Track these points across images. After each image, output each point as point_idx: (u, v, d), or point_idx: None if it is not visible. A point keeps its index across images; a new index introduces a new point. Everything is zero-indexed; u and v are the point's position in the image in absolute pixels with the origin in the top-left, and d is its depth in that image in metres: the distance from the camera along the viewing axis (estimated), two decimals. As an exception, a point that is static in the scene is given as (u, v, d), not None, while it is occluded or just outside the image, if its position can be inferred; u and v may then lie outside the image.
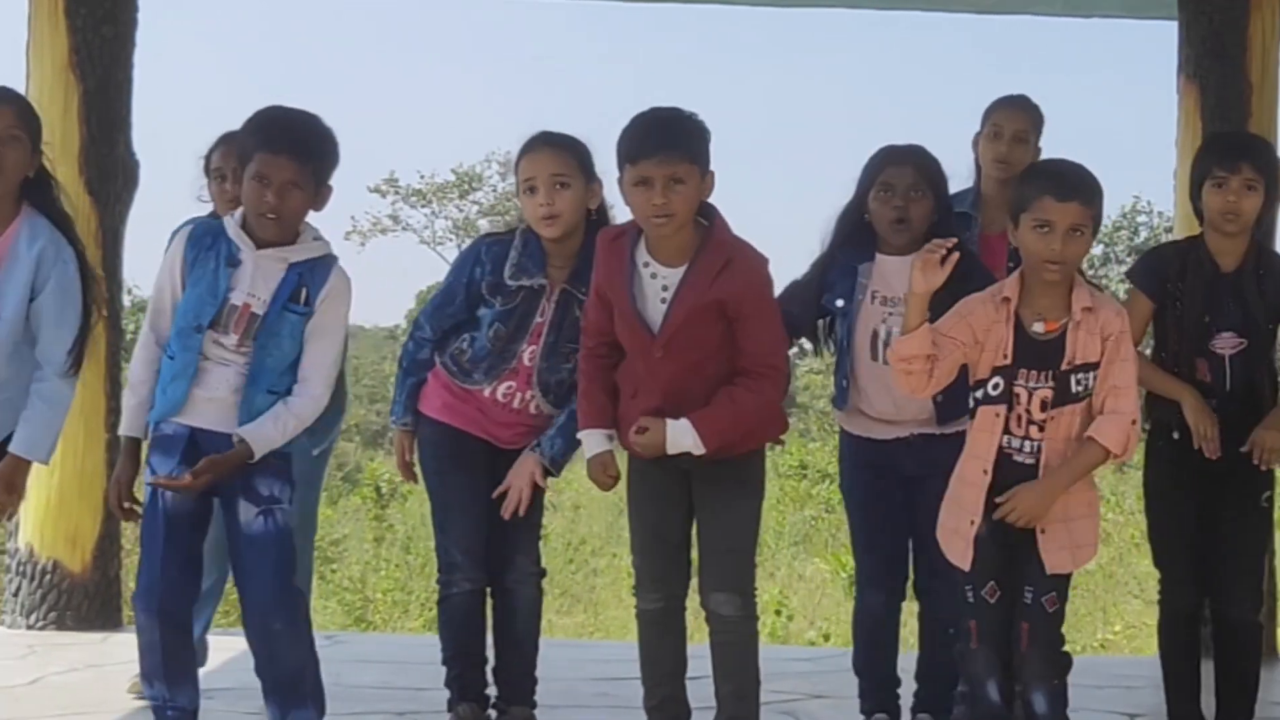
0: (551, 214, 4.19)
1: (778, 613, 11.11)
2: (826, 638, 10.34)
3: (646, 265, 3.94)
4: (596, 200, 4.30)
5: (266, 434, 3.86)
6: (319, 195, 3.93)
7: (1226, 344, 4.37)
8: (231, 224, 3.95)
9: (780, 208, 50.22)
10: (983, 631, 3.82)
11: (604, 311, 4.01)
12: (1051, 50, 52.06)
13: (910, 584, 4.44)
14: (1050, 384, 3.74)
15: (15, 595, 6.46)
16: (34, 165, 4.05)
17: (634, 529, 4.16)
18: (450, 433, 4.38)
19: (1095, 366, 3.73)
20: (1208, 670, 4.49)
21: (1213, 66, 6.63)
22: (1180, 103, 6.77)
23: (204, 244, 3.94)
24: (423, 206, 28.33)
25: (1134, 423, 3.75)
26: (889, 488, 4.39)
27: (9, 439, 4.05)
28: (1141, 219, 31.93)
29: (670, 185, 3.78)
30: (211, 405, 3.91)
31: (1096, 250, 31.63)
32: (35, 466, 6.36)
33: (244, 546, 3.94)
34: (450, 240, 28.98)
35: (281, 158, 3.82)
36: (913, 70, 59.65)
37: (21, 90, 6.23)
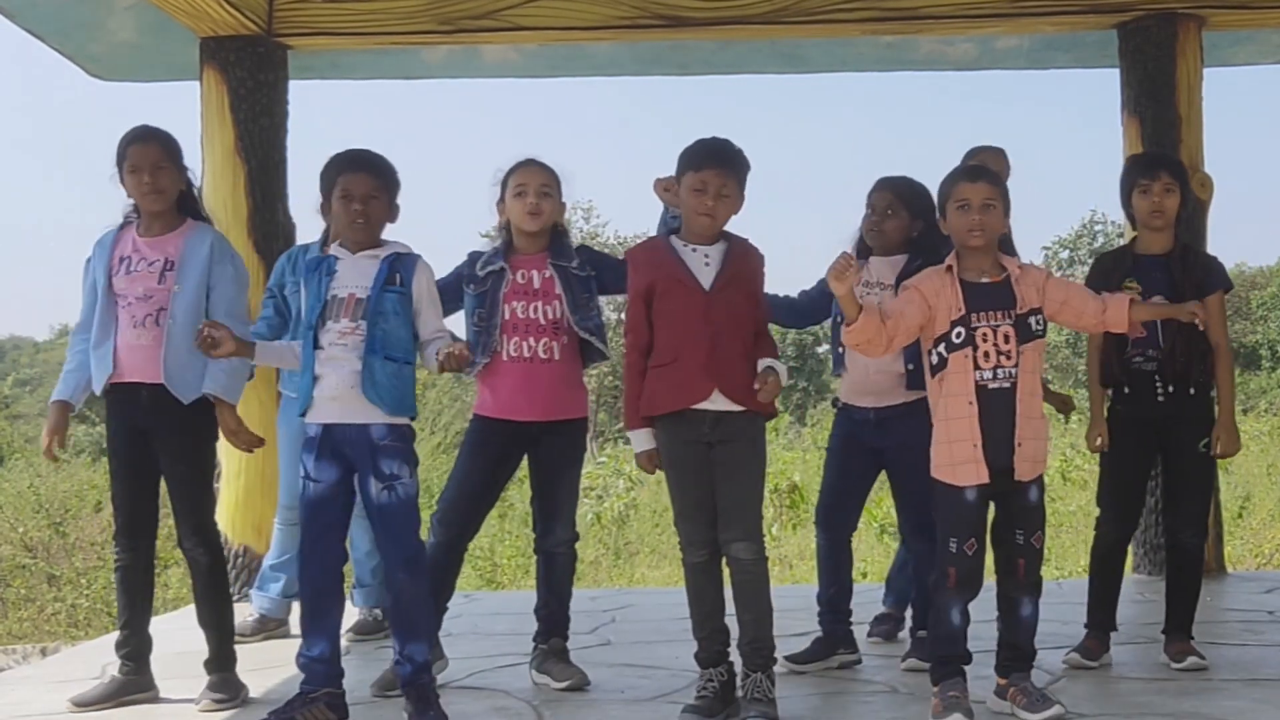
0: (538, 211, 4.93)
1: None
2: (864, 575, 10.87)
3: (688, 245, 4.47)
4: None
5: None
6: (392, 209, 4.42)
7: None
8: (334, 247, 4.46)
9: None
10: (960, 576, 4.29)
11: (644, 310, 4.50)
12: (1020, 96, 54.90)
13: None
14: (1010, 323, 4.23)
15: (215, 574, 7.27)
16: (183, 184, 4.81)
17: (676, 500, 4.52)
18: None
19: (1039, 311, 4.27)
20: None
21: (1148, 104, 7.52)
22: (1124, 134, 7.65)
23: (310, 266, 4.44)
24: (523, 246, 30.92)
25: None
26: (861, 449, 5.17)
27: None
28: (1099, 227, 37.01)
29: (720, 195, 4.42)
30: (334, 404, 4.28)
31: (1064, 255, 36.63)
32: (227, 471, 7.13)
33: (375, 515, 4.34)
34: (544, 269, 31.60)
35: (361, 174, 4.35)
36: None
37: (198, 172, 7.13)
